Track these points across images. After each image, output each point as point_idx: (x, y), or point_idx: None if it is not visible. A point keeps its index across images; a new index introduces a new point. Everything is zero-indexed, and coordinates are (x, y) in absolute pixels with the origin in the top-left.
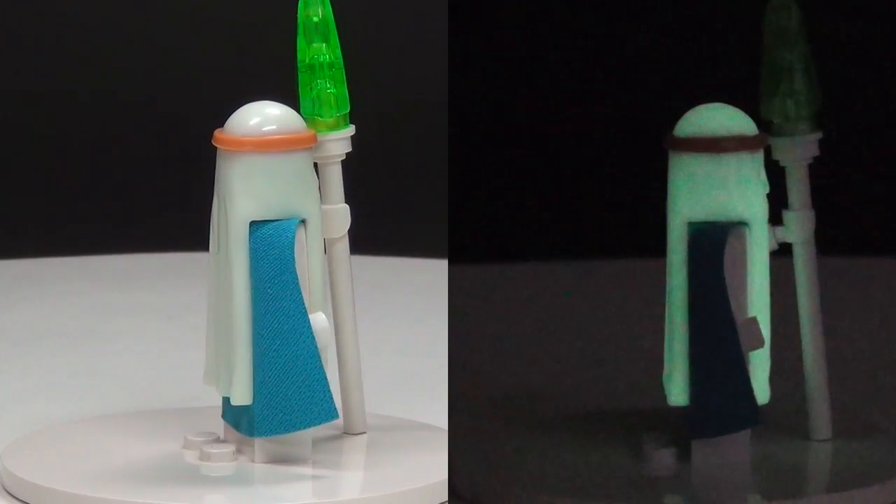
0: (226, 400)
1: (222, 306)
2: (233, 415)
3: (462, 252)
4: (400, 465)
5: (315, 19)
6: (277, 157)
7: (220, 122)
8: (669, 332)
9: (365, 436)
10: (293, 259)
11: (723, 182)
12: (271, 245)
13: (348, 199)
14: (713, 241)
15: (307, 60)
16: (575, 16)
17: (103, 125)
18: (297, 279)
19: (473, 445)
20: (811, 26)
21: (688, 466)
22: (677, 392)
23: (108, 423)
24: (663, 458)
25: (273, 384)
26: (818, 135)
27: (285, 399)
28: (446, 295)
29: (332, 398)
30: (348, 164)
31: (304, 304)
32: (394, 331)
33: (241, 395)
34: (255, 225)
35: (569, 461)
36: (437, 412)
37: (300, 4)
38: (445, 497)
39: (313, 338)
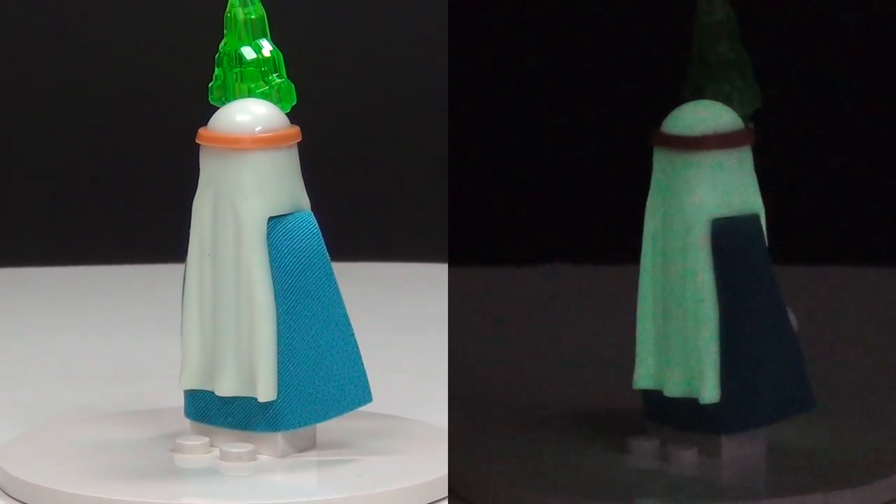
0: (212, 401)
1: (228, 306)
2: (227, 415)
3: (462, 253)
4: (399, 463)
5: (254, 16)
6: (283, 153)
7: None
8: (693, 333)
9: (365, 434)
10: (324, 248)
11: (741, 176)
12: (298, 238)
13: (348, 202)
14: (751, 233)
15: (248, 56)
16: (576, 17)
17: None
18: (331, 268)
19: (473, 445)
20: (743, 21)
21: (714, 463)
22: (711, 389)
23: (104, 423)
24: (688, 458)
25: (304, 375)
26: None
27: (317, 389)
28: (446, 297)
29: (367, 381)
30: (348, 168)
31: (339, 290)
32: (394, 332)
33: (269, 392)
34: (270, 221)
35: (568, 461)
36: (437, 412)
37: (234, 3)
38: (443, 494)
39: (350, 323)
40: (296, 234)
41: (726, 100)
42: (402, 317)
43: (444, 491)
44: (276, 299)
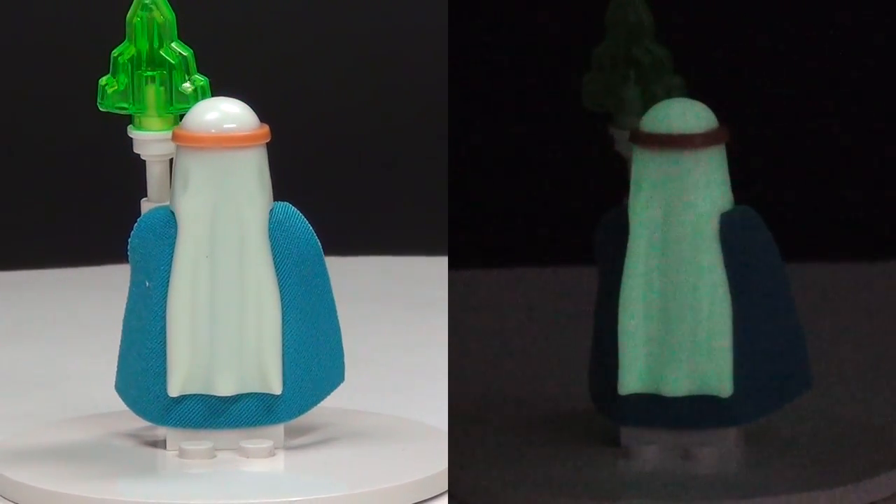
0: (203, 404)
1: (229, 306)
2: (220, 415)
3: (462, 252)
4: (397, 461)
5: (171, 17)
6: (264, 148)
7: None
8: (708, 329)
9: (363, 433)
10: (314, 234)
11: (726, 170)
12: (291, 229)
13: (349, 198)
14: (759, 223)
15: (173, 59)
16: (577, 16)
17: None
18: (322, 253)
19: (473, 445)
20: (663, 22)
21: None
22: (728, 383)
23: (95, 424)
24: (710, 456)
25: (305, 364)
26: None
27: (313, 376)
28: (446, 294)
29: (344, 362)
30: (348, 163)
31: (328, 274)
32: (394, 330)
33: (279, 384)
34: None
35: (568, 462)
36: (436, 412)
37: (142, 5)
38: (439, 491)
39: (335, 305)
40: (287, 224)
41: (664, 95)
42: (402, 316)
43: (440, 489)
44: (280, 292)
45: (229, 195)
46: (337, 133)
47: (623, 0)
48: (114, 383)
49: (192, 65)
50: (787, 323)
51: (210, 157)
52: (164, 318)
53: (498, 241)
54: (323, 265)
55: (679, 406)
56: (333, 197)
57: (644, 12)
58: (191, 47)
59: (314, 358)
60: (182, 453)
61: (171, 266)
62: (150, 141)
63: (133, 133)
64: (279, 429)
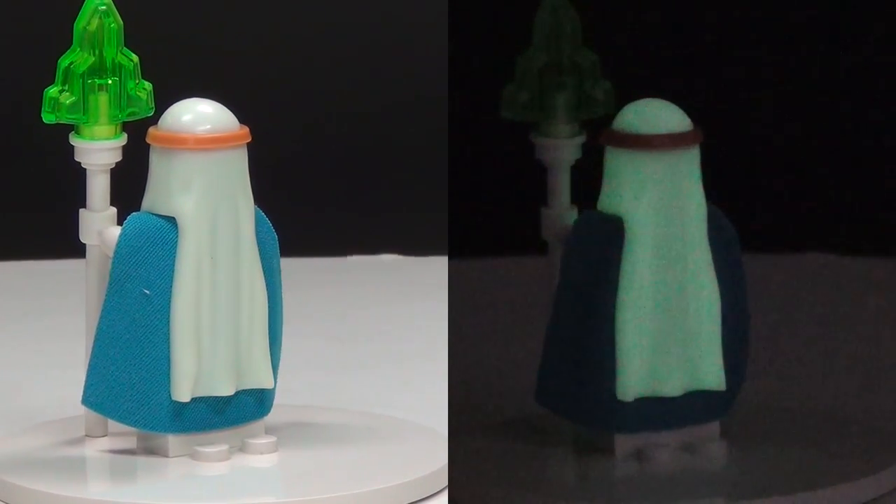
0: (202, 406)
1: (226, 306)
2: (216, 414)
3: (462, 249)
4: (396, 462)
5: (121, 23)
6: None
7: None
8: (708, 326)
9: (363, 434)
10: (273, 230)
11: None
12: (260, 227)
13: (350, 197)
14: (723, 217)
15: (128, 64)
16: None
17: None
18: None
19: (473, 446)
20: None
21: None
22: (722, 377)
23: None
24: (715, 451)
25: (275, 353)
26: (583, 138)
27: (276, 362)
28: (446, 295)
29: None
30: (349, 163)
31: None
32: (393, 330)
33: (272, 378)
34: None
35: (569, 462)
36: (436, 412)
37: (91, 12)
38: (438, 490)
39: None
40: (258, 220)
41: (604, 100)
42: (402, 315)
43: (438, 488)
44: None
45: (229, 194)
46: (335, 132)
47: (553, 6)
48: (81, 398)
49: (139, 70)
50: (745, 312)
51: (211, 158)
52: (168, 323)
53: (499, 236)
54: (278, 255)
55: (674, 405)
56: (332, 197)
57: (574, 19)
58: (172, 49)
59: (278, 346)
60: (197, 456)
61: (172, 271)
62: (96, 150)
63: (77, 142)
64: (261, 423)
